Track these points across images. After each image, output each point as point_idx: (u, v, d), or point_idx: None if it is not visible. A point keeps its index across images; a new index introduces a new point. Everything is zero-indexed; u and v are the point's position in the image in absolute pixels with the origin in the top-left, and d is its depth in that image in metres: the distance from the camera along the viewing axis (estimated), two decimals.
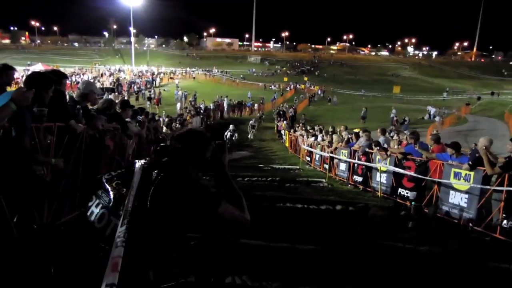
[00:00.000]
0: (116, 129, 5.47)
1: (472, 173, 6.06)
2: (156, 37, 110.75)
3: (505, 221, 5.37)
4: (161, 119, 17.50)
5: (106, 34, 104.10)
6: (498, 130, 23.21)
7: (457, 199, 6.39)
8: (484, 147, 5.81)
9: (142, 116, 8.62)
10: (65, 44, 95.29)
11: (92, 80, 34.39)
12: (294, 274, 3.37)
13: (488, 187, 5.68)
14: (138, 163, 1.69)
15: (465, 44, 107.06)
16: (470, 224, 5.99)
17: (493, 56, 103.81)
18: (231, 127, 16.50)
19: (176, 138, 1.79)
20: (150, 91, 34.24)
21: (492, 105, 42.30)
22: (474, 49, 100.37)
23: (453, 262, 4.45)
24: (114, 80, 37.51)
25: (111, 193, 1.60)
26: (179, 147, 1.74)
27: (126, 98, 21.87)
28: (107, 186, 1.63)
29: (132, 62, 59.32)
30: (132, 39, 65.29)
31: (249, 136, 22.43)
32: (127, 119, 6.64)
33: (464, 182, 6.21)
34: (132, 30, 62.00)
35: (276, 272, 3.37)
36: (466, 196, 6.20)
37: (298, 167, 14.19)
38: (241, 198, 1.77)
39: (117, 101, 7.50)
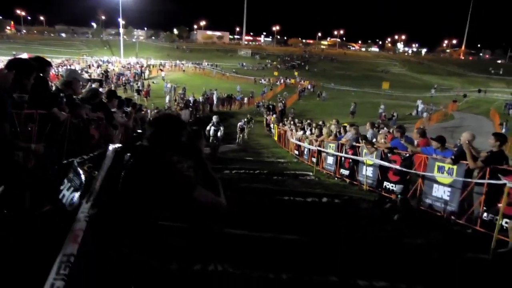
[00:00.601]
0: (101, 118, 5.41)
1: (455, 167, 6.16)
2: (145, 29, 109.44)
3: (485, 214, 5.48)
4: (148, 110, 17.33)
5: (94, 25, 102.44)
6: (484, 127, 23.60)
7: (440, 192, 6.50)
8: (467, 142, 5.91)
9: (129, 107, 8.54)
10: (52, 35, 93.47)
11: (79, 71, 34.03)
12: (277, 263, 3.40)
13: (470, 180, 5.78)
14: (111, 147, 1.68)
15: (454, 41, 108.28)
16: (452, 217, 6.11)
17: (481, 54, 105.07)
18: (214, 119, 13.04)
19: (151, 122, 1.80)
20: (138, 83, 33.91)
21: (478, 103, 42.94)
22: (463, 47, 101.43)
23: (435, 254, 4.53)
24: (102, 72, 37.04)
25: (82, 176, 1.59)
26: (153, 130, 1.74)
27: (113, 89, 21.61)
28: (79, 169, 1.62)
29: (121, 54, 58.61)
30: (121, 30, 64.54)
31: (237, 141, 18.87)
32: (113, 109, 6.57)
33: (447, 175, 6.32)
34: (121, 21, 61.42)
35: (259, 261, 3.39)
36: (449, 189, 6.31)
37: (286, 160, 14.25)
38: (217, 183, 1.79)
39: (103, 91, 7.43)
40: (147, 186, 1.54)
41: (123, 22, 65.15)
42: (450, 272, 3.91)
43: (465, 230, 5.72)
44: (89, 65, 43.80)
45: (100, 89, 14.95)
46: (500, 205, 4.79)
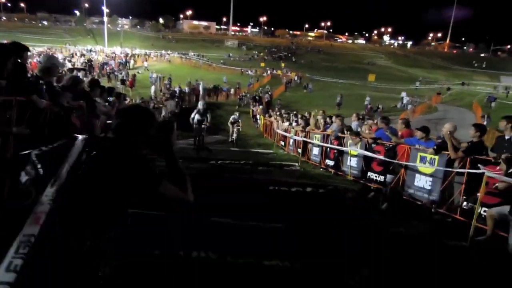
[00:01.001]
0: (82, 107, 5.31)
1: (436, 157, 6.28)
2: (130, 17, 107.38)
3: (465, 203, 5.61)
4: (133, 101, 17.07)
5: (77, 13, 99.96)
6: (466, 119, 24.01)
7: (422, 182, 6.62)
8: (448, 132, 6.03)
9: (112, 96, 8.40)
10: (33, 22, 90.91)
11: (61, 60, 33.27)
12: (261, 251, 3.42)
13: (451, 169, 5.90)
14: (80, 137, 1.65)
15: (439, 35, 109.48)
16: (434, 206, 6.24)
17: (465, 47, 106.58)
18: (200, 105, 11.68)
19: (118, 113, 1.75)
20: (123, 73, 33.39)
21: (461, 95, 43.68)
22: (447, 40, 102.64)
23: (416, 241, 4.64)
24: (86, 61, 36.28)
25: (40, 169, 1.55)
26: (120, 122, 1.69)
27: (96, 78, 21.21)
28: (37, 161, 1.58)
29: (105, 43, 57.49)
30: (105, 19, 63.17)
31: (231, 138, 16.53)
32: (96, 99, 6.46)
33: (429, 165, 6.43)
34: (105, 9, 60.04)
35: (243, 248, 3.40)
36: (431, 179, 6.43)
37: (272, 151, 14.28)
38: (185, 179, 1.75)
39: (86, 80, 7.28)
40: (110, 179, 1.51)
41: (107, 11, 63.78)
42: (431, 258, 3.99)
43: (446, 218, 5.85)
44: (72, 54, 42.79)
45: (84, 79, 14.57)
46: (479, 194, 4.91)
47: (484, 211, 5.01)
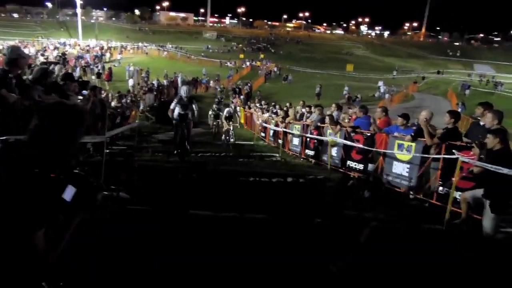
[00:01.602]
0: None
1: (413, 144, 6.40)
2: (105, 9, 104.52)
3: (441, 188, 5.76)
4: (110, 94, 16.67)
5: (49, 4, 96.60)
6: (442, 107, 24.58)
7: (399, 169, 6.75)
8: (424, 120, 6.14)
9: (87, 90, 8.19)
10: (3, 15, 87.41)
11: (34, 53, 32.20)
12: (241, 243, 3.41)
13: (427, 155, 6.03)
14: None
15: (415, 24, 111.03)
16: (411, 192, 6.38)
17: (440, 37, 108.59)
18: (183, 91, 8.72)
19: (37, 111, 1.45)
20: (98, 66, 32.59)
21: (437, 84, 44.68)
22: (423, 30, 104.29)
23: (394, 226, 4.74)
24: (60, 54, 35.20)
25: None
26: (38, 124, 1.43)
27: (73, 73, 20.60)
28: None
29: (79, 36, 55.80)
30: (79, 10, 61.19)
31: (224, 139, 12.90)
32: (69, 93, 6.27)
33: (406, 152, 6.55)
34: (78, 1, 58.15)
35: (223, 241, 3.39)
36: (408, 166, 6.56)
37: (252, 142, 14.27)
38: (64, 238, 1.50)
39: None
40: (17, 192, 1.33)
41: (81, 2, 61.58)
42: (408, 241, 4.08)
43: (423, 204, 5.99)
44: (45, 48, 41.45)
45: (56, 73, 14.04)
46: (454, 179, 5.03)
47: (459, 195, 5.15)
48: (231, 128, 12.86)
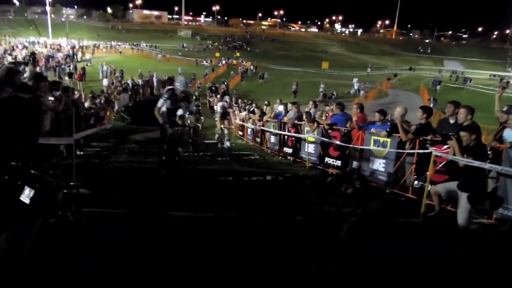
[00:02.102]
0: None
1: (389, 140, 6.54)
2: (75, 7, 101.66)
3: (416, 182, 5.91)
4: (82, 95, 16.23)
5: (16, 2, 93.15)
6: (415, 103, 25.21)
7: (376, 164, 6.88)
8: (400, 116, 6.30)
9: (59, 90, 7.95)
10: None
11: (1, 53, 31.01)
12: (220, 243, 3.39)
13: (402, 150, 6.18)
14: None
15: (387, 22, 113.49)
16: (388, 186, 6.52)
17: (411, 34, 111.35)
18: (179, 83, 6.65)
19: None
20: (70, 66, 31.70)
21: (409, 80, 45.84)
22: (395, 27, 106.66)
23: (371, 221, 4.82)
24: (29, 54, 33.99)
25: None
26: None
27: (44, 73, 19.95)
28: None
29: (49, 34, 54.20)
30: (48, 8, 59.37)
31: (223, 143, 11.56)
32: (40, 94, 6.07)
33: (382, 148, 6.69)
34: None
35: (202, 242, 3.36)
36: (384, 161, 6.70)
37: (230, 141, 14.21)
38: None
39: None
40: None
41: (50, 0, 59.84)
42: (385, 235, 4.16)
43: (399, 198, 6.13)
44: (13, 47, 39.93)
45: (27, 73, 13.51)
46: (428, 173, 5.18)
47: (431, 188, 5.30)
48: (226, 132, 10.83)
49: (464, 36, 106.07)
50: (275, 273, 2.87)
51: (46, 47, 44.84)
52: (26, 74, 5.99)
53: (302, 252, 3.23)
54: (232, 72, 45.59)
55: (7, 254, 1.33)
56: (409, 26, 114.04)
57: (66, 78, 26.81)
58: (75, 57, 39.40)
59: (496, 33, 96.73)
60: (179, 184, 5.80)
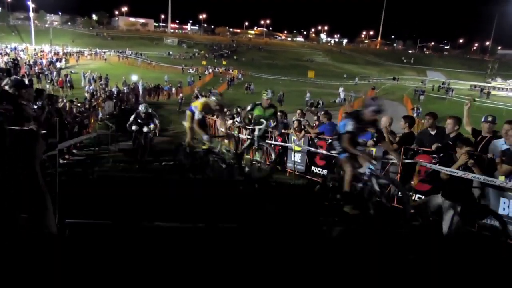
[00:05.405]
0: (7, 110, 4.85)
1: (374, 149, 6.60)
2: (60, 13, 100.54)
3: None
4: (67, 103, 15.95)
5: None
6: (399, 112, 25.57)
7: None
8: (386, 126, 6.38)
9: (42, 99, 7.82)
10: None
11: None
12: (208, 253, 3.36)
13: (387, 159, 6.25)
14: None
15: (371, 33, 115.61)
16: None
17: (395, 44, 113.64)
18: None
19: None
20: (54, 73, 31.25)
21: (393, 90, 46.66)
22: (379, 38, 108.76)
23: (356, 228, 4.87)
24: (11, 60, 33.37)
25: None
26: None
27: (26, 80, 19.57)
28: None
29: (32, 41, 53.47)
30: (31, 14, 58.65)
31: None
32: (23, 101, 5.94)
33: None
34: (31, 4, 55.78)
35: (189, 252, 3.32)
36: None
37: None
38: (45, 204, 1.38)
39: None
40: None
41: (33, 6, 59.22)
42: (374, 243, 4.19)
43: (385, 206, 6.17)
44: None
45: (8, 81, 13.08)
46: (412, 182, 5.24)
47: (418, 197, 5.36)
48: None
49: (446, 47, 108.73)
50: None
51: (29, 53, 44.15)
52: (5, 81, 5.82)
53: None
54: (221, 79, 45.72)
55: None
56: (393, 36, 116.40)
57: (48, 85, 26.37)
58: (58, 64, 38.89)
59: (476, 44, 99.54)
60: (160, 194, 5.74)
